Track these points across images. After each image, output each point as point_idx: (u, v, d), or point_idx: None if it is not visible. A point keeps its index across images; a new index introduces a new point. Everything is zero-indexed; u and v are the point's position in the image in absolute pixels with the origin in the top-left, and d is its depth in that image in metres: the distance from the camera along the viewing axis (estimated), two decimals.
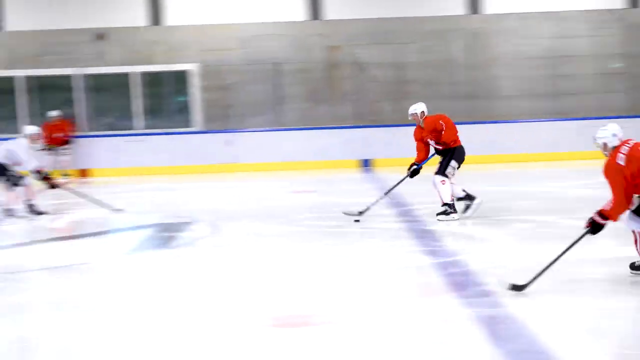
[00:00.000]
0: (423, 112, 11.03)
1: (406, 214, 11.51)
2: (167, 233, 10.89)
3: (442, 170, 10.82)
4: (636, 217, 6.83)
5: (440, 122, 10.83)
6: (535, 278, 6.65)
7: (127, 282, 7.98)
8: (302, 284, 7.50)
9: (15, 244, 10.50)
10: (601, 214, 6.75)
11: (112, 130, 20.16)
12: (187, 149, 19.71)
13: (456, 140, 10.93)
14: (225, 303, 6.89)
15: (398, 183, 11.35)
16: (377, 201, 11.27)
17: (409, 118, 11.15)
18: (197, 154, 19.66)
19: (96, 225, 11.59)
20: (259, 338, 5.83)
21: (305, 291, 7.09)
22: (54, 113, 19.31)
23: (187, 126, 20.29)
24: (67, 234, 11.40)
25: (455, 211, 10.75)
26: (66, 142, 19.34)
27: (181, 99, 20.54)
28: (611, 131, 6.88)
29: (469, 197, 10.91)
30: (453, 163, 10.83)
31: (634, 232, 6.90)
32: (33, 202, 12.01)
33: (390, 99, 20.46)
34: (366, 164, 19.70)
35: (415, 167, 10.94)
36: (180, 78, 20.35)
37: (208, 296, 7.20)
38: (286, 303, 6.78)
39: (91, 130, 20.21)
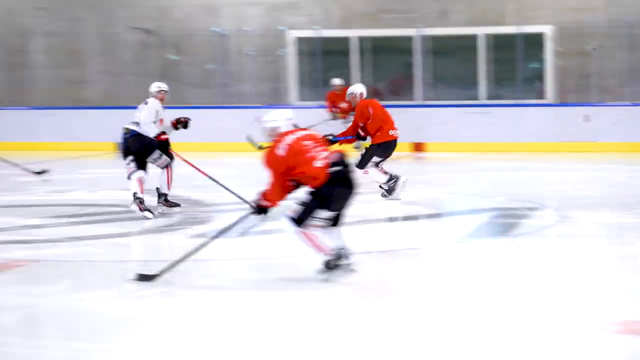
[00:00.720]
0: (362, 93, 12.65)
1: None
2: (507, 219, 11.25)
3: (362, 164, 12.31)
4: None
5: (370, 109, 12.34)
6: (169, 268, 7.61)
7: (457, 272, 8.34)
8: None
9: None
10: (264, 196, 7.67)
11: (451, 99, 20.63)
12: (537, 124, 19.69)
13: (382, 131, 12.29)
14: (563, 301, 7.03)
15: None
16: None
17: (347, 98, 12.88)
18: (548, 130, 19.61)
19: (430, 208, 12.09)
20: (596, 345, 5.88)
21: None
22: (337, 81, 19.71)
23: (538, 97, 20.35)
24: (397, 216, 11.88)
25: (391, 190, 12.23)
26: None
27: (533, 66, 20.65)
28: (278, 116, 7.75)
29: (391, 178, 12.38)
30: (375, 159, 12.42)
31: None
32: (165, 190, 11.44)
33: None
34: None
35: (331, 137, 12.10)
36: (533, 42, 20.37)
37: (545, 292, 7.36)
38: (636, 307, 6.82)
39: (426, 99, 20.80)
